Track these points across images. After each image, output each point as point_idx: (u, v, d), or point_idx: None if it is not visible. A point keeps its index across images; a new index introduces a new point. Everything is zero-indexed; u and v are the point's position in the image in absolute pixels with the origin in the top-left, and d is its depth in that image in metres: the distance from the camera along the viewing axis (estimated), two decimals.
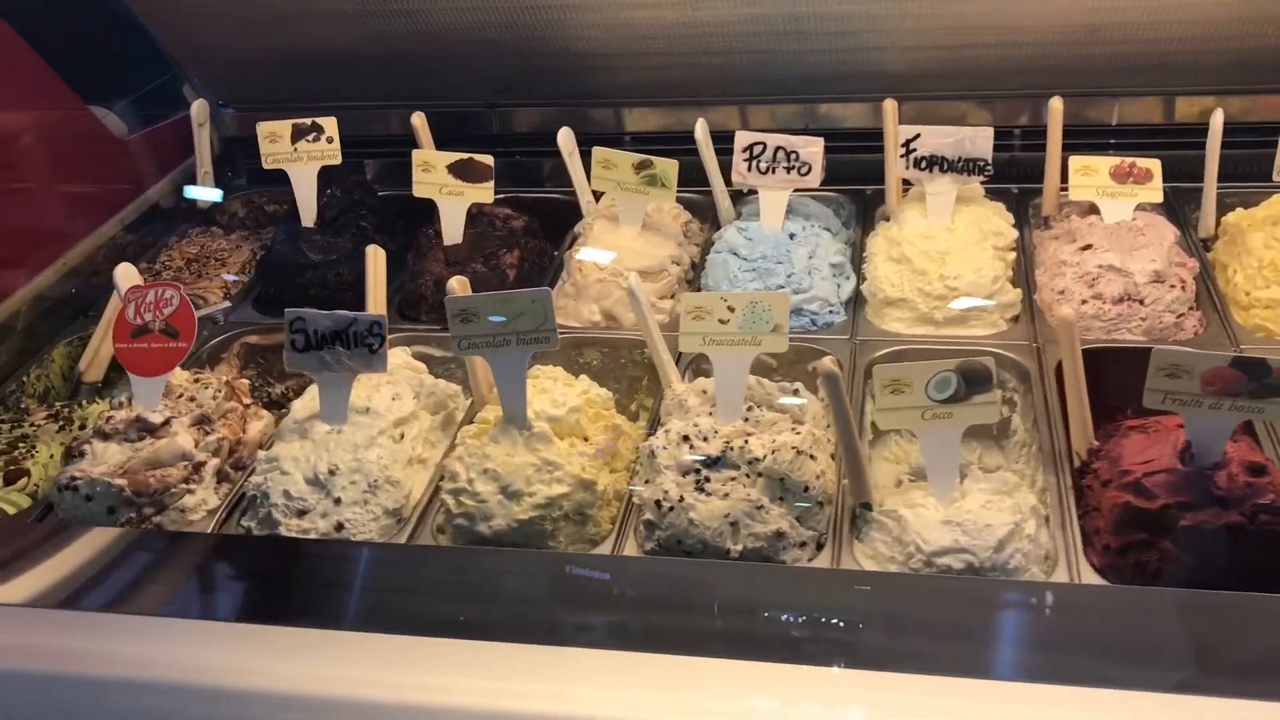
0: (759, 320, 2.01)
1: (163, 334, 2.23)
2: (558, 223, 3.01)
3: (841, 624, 1.58)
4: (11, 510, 2.18)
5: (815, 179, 2.61)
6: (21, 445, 2.31)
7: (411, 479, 2.13)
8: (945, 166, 2.54)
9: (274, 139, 2.77)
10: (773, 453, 1.92)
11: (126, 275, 2.39)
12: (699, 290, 2.66)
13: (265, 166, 2.81)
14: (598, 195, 2.92)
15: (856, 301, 2.57)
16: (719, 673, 1.51)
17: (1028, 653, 1.58)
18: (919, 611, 1.65)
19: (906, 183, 2.73)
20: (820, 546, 1.92)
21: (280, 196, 3.30)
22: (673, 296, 2.65)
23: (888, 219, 2.80)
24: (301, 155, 2.77)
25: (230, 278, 2.90)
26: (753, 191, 2.87)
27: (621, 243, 2.68)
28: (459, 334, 2.03)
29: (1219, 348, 2.30)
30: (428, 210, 2.95)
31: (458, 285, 2.15)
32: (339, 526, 2.01)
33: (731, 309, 2.02)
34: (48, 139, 2.90)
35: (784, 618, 1.61)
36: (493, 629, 1.63)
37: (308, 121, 2.78)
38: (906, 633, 1.61)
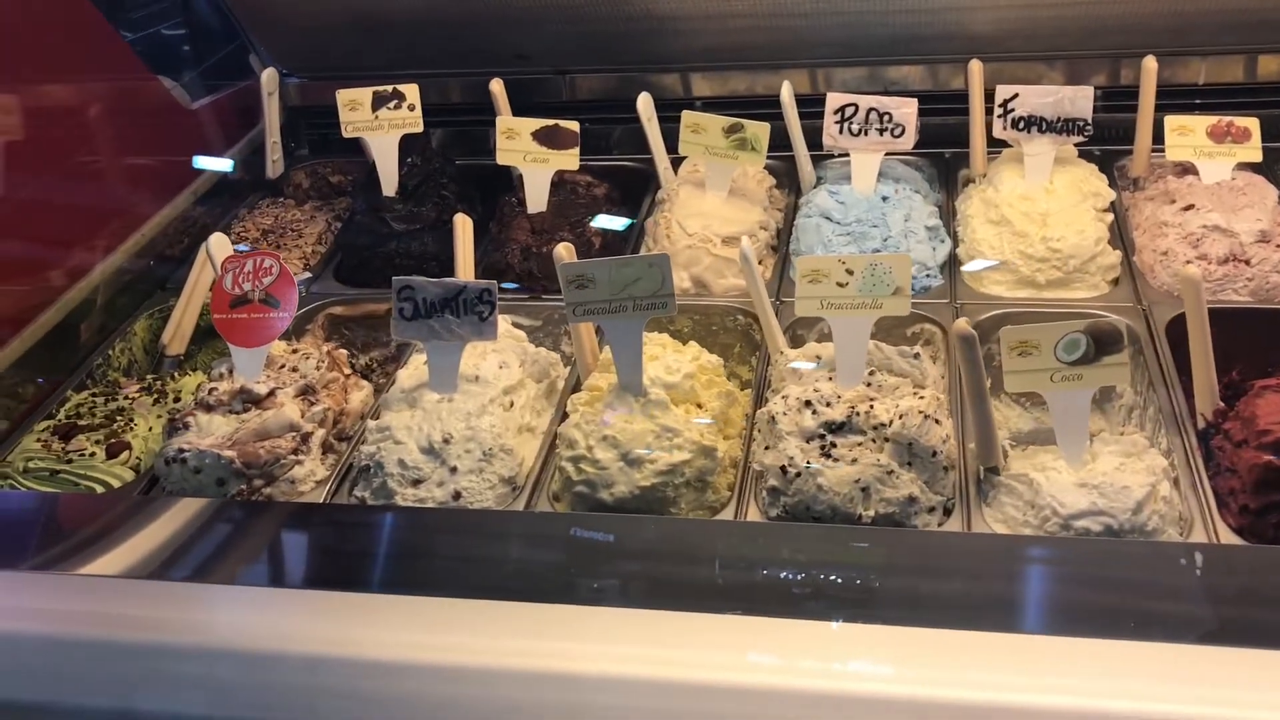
0: (880, 283, 1.98)
1: (263, 304, 2.20)
2: (630, 190, 2.98)
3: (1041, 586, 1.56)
4: (116, 484, 2.15)
5: (909, 141, 2.58)
6: (119, 419, 2.29)
7: (522, 447, 2.10)
8: (1044, 126, 2.51)
9: (354, 107, 2.74)
10: (900, 417, 1.90)
11: (221, 245, 2.36)
12: (785, 256, 2.63)
13: (345, 135, 2.78)
14: (674, 163, 2.89)
15: (952, 265, 2.54)
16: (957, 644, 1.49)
17: (1227, 614, 1.55)
18: (1106, 574, 1.63)
19: (991, 144, 2.69)
20: (948, 511, 1.90)
21: (345, 167, 3.27)
22: (760, 262, 2.62)
23: (972, 182, 2.77)
24: (383, 123, 2.74)
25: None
26: (830, 156, 2.85)
27: (708, 208, 2.64)
28: (574, 300, 2.00)
29: None
30: (500, 179, 2.93)
31: (565, 252, 2.12)
32: (456, 495, 1.99)
33: (850, 271, 1.99)
34: (121, 111, 2.87)
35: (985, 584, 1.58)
36: (649, 595, 1.61)
37: (388, 89, 2.74)
38: (1104, 595, 1.58)
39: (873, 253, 2.47)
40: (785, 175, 2.93)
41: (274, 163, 3.12)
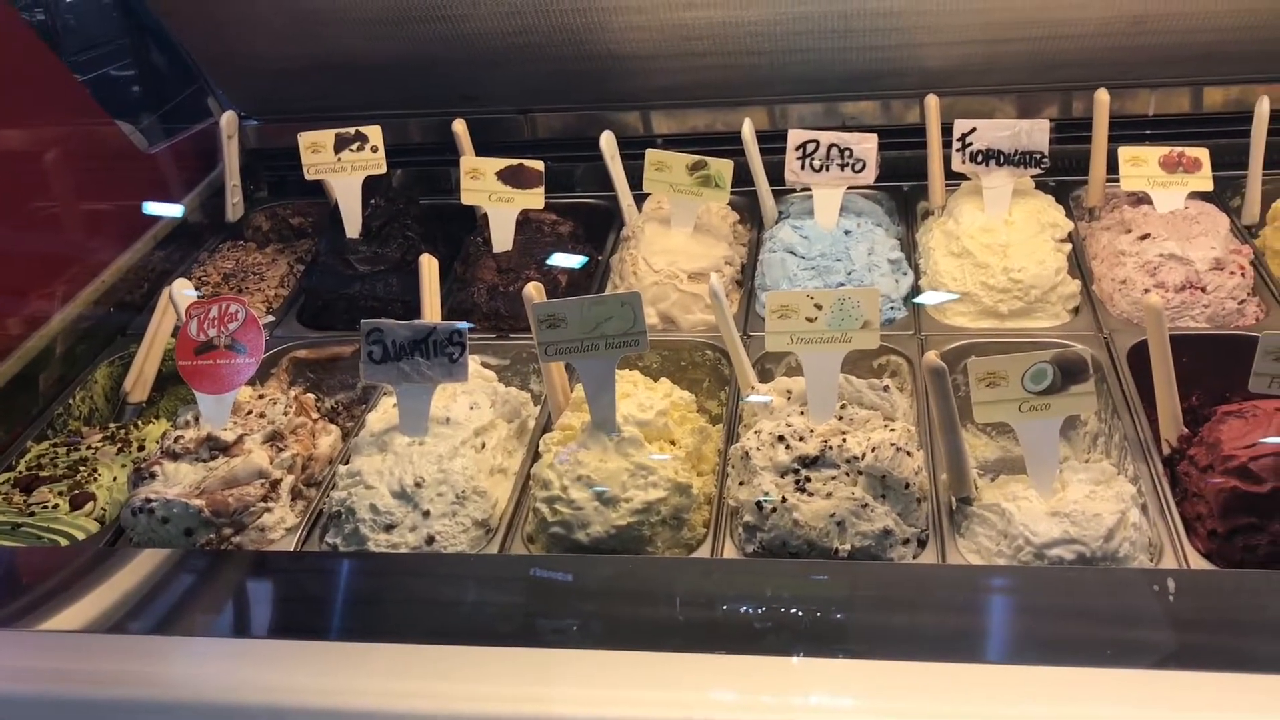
0: (848, 316, 2.00)
1: (229, 349, 2.18)
2: (594, 227, 3.00)
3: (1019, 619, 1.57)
4: (81, 536, 2.11)
5: (870, 175, 2.61)
6: (82, 469, 2.25)
7: (495, 489, 2.09)
8: (1002, 160, 2.55)
9: (316, 149, 2.73)
10: (872, 450, 1.91)
11: (183, 291, 2.33)
12: (750, 291, 2.65)
13: (308, 177, 2.77)
14: (637, 200, 2.91)
15: (915, 296, 2.57)
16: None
17: (1201, 639, 1.57)
18: (1081, 603, 1.64)
19: (950, 177, 2.73)
20: (923, 543, 1.91)
21: (305, 209, 3.26)
22: (726, 296, 2.63)
23: (931, 214, 2.81)
24: (345, 165, 2.73)
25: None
26: (791, 190, 2.88)
27: (674, 245, 2.66)
28: (546, 340, 2.00)
29: None
30: (464, 218, 2.93)
31: (535, 292, 2.12)
32: (429, 540, 1.98)
33: (819, 306, 2.01)
34: (78, 155, 2.84)
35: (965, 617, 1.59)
36: (628, 637, 1.60)
37: (350, 130, 2.74)
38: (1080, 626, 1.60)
39: (838, 286, 2.50)
40: (748, 210, 2.96)
41: (234, 206, 3.10)
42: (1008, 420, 1.91)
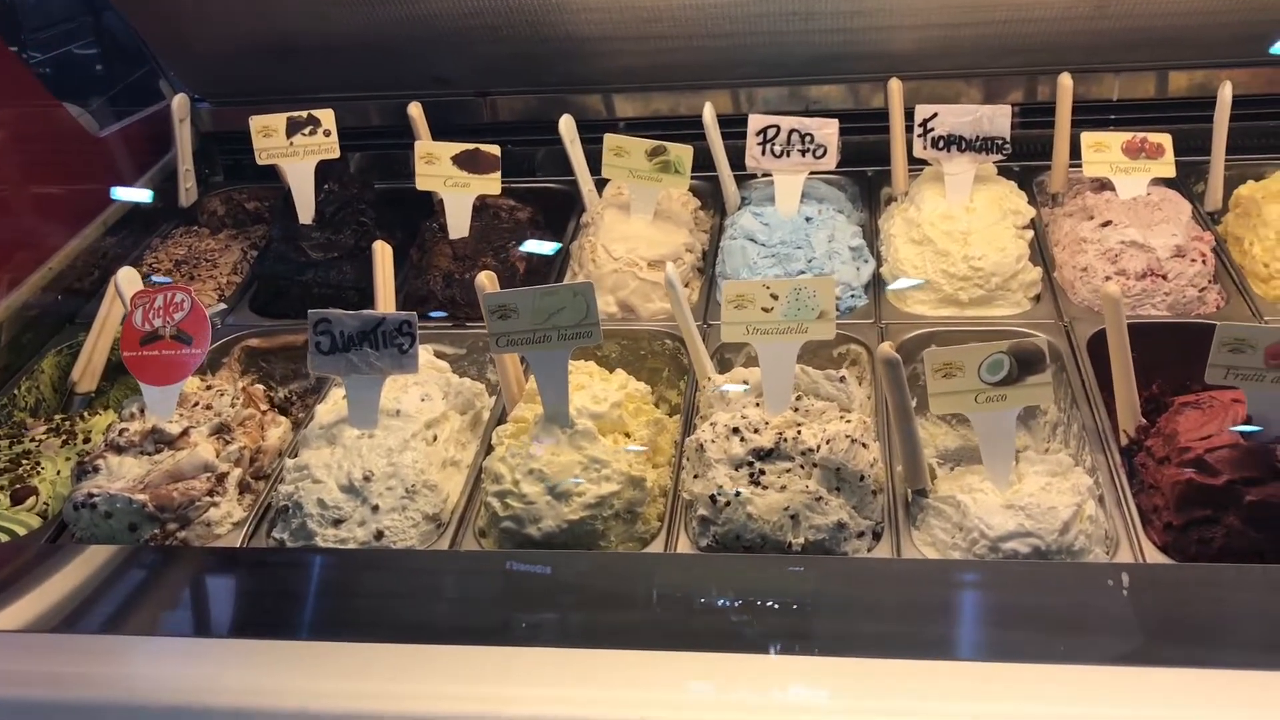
0: (804, 307, 1.97)
1: (175, 340, 2.13)
2: (553, 212, 2.95)
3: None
4: (22, 531, 2.06)
5: (831, 161, 2.58)
6: (25, 462, 2.20)
7: (446, 482, 2.06)
8: (963, 146, 2.53)
9: (268, 133, 2.67)
10: (827, 443, 1.89)
11: (129, 280, 2.28)
12: (711, 278, 2.62)
13: (260, 162, 2.71)
14: (598, 184, 2.87)
15: (876, 284, 2.54)
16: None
17: (1155, 633, 1.56)
18: (1035, 598, 1.63)
19: (913, 162, 2.70)
20: (878, 536, 1.89)
21: (260, 193, 3.20)
22: (687, 284, 2.61)
23: (894, 200, 2.78)
24: (298, 150, 2.68)
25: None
26: (754, 176, 2.85)
27: (634, 231, 2.62)
28: (497, 331, 1.96)
29: (1242, 320, 2.31)
30: (421, 204, 2.88)
31: (488, 281, 2.08)
32: (378, 535, 1.94)
33: (775, 296, 1.98)
34: (25, 138, 2.77)
35: (917, 611, 1.57)
36: (582, 634, 1.58)
37: (303, 114, 2.68)
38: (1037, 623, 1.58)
39: (798, 274, 2.47)
40: (710, 196, 2.92)
41: (187, 190, 3.04)
42: (963, 411, 1.89)
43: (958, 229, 2.47)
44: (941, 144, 2.54)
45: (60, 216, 2.86)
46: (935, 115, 2.53)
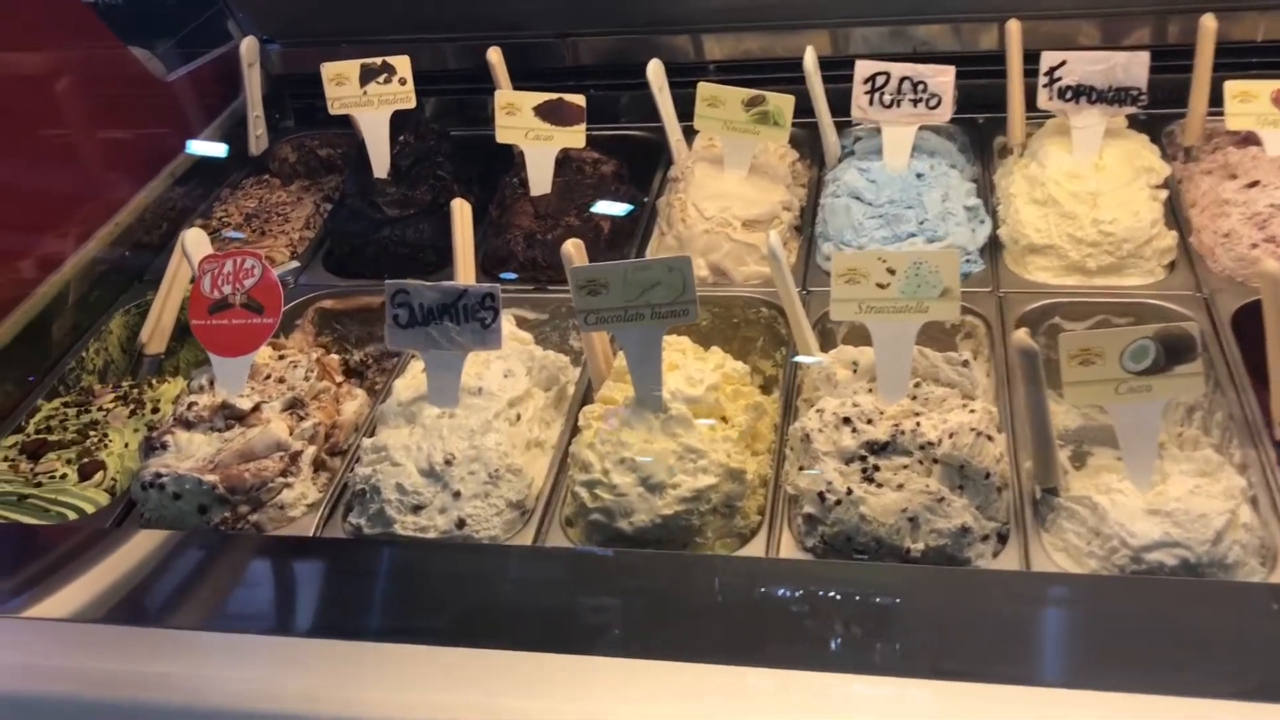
0: (924, 283, 1.78)
1: (245, 309, 2.01)
2: (638, 163, 2.78)
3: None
4: (90, 509, 1.98)
5: (946, 113, 2.37)
6: (92, 433, 2.10)
7: (530, 465, 1.92)
8: (1094, 97, 2.29)
9: (341, 81, 2.52)
10: (950, 436, 1.71)
11: (197, 243, 2.16)
12: (810, 239, 2.43)
13: (332, 112, 2.57)
14: (687, 132, 2.68)
15: (992, 248, 2.34)
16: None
17: None
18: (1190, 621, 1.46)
19: (1030, 109, 2.47)
20: (1003, 538, 1.72)
21: (333, 140, 3.07)
22: (784, 244, 2.42)
23: (1010, 152, 2.57)
24: (372, 99, 2.53)
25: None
26: (852, 123, 2.64)
27: (727, 188, 2.43)
28: (585, 308, 1.81)
29: None
30: (499, 151, 2.71)
31: (575, 251, 1.92)
32: (460, 523, 1.82)
33: (892, 271, 1.80)
34: (90, 84, 2.65)
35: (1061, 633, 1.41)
36: (678, 646, 1.44)
37: (377, 62, 2.53)
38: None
39: (907, 237, 2.28)
40: (807, 145, 2.72)
41: (257, 138, 2.92)
42: (1103, 402, 1.71)
43: (1085, 189, 2.25)
44: (1070, 94, 2.31)
45: (128, 166, 2.75)
46: (1064, 63, 2.30)
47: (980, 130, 2.73)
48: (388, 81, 2.52)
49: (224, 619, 1.66)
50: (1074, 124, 2.32)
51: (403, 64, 2.53)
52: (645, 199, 2.64)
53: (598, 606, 1.61)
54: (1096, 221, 2.20)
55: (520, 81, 2.62)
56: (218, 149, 2.89)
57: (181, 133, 2.90)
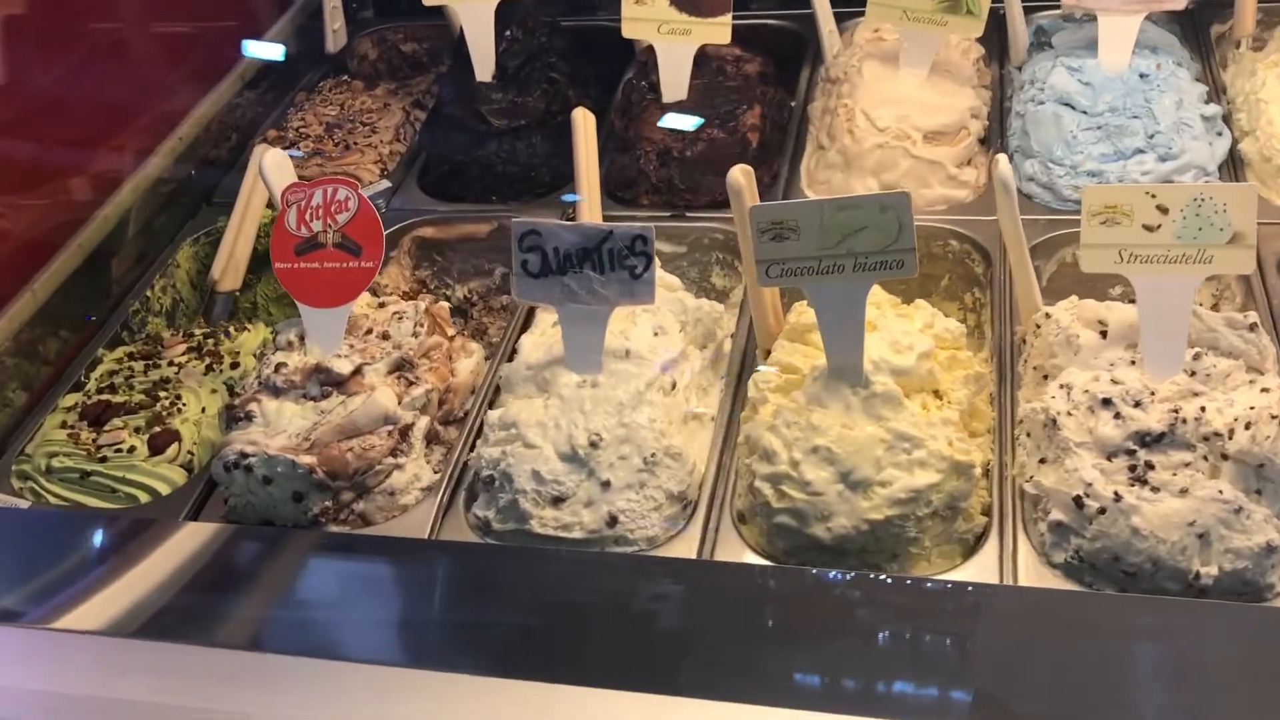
0: (1208, 225, 1.39)
1: (339, 249, 1.66)
2: (780, 60, 2.36)
3: None
4: (164, 489, 1.67)
5: None
6: (163, 394, 1.79)
7: (690, 443, 1.58)
8: None
9: None
10: (1246, 427, 1.33)
11: (278, 167, 1.80)
12: (1000, 154, 2.02)
13: (426, 3, 2.17)
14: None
15: (1232, 165, 1.92)
16: None
17: None
18: None
19: None
20: None
21: (418, 33, 2.71)
22: (970, 162, 2.02)
23: (1238, 45, 2.12)
24: None
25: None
26: (1044, 6, 2.20)
27: (904, 92, 2.03)
28: (768, 257, 1.43)
29: None
30: (620, 49, 2.31)
31: (744, 179, 1.54)
32: (612, 520, 1.48)
33: (1164, 209, 1.40)
34: None
35: None
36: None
37: None
38: None
39: (1134, 154, 1.87)
40: (984, 39, 2.28)
41: (334, 33, 2.56)
42: None
43: None
44: None
45: (191, 71, 2.39)
46: None
47: (1193, 16, 2.27)
48: None
49: (325, 645, 1.35)
50: None
51: None
52: (793, 103, 2.24)
53: (802, 649, 1.27)
54: None
55: None
56: (275, 50, 2.51)
57: (250, 28, 2.54)
